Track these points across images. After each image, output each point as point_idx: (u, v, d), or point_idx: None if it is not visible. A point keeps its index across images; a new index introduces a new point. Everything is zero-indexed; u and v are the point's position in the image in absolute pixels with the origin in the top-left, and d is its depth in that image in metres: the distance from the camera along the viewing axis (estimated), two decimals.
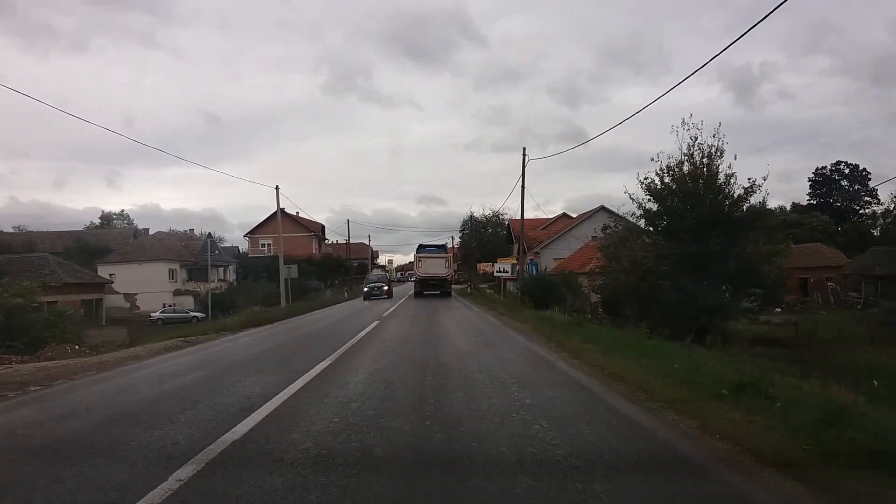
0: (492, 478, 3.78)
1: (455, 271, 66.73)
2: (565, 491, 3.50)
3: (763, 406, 5.09)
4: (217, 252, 24.05)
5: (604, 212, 51.90)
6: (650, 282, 24.87)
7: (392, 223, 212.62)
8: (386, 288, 41.23)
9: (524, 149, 32.03)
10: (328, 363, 9.06)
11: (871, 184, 77.53)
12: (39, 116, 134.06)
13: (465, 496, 3.50)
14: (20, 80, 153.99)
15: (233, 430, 4.99)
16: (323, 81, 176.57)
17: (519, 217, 63.68)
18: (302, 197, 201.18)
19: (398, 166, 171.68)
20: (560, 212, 65.70)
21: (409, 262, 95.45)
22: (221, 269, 67.02)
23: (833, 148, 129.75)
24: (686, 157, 24.91)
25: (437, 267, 39.88)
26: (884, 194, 76.51)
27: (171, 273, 58.95)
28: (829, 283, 51.11)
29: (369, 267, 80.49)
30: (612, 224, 27.92)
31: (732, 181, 24.56)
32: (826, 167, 79.37)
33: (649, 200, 25.47)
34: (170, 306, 54.02)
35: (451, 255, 53.00)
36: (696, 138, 24.80)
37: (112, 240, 65.87)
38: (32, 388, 8.00)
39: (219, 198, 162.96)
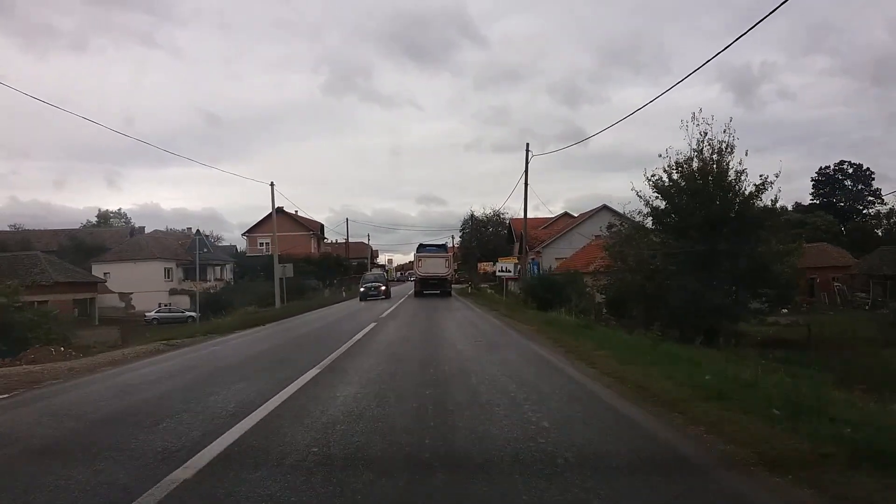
0: None
1: (455, 271, 66.04)
2: None
3: (832, 433, 4.19)
4: (206, 250, 23.09)
5: (606, 211, 51.14)
6: (658, 281, 24.03)
7: (392, 223, 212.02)
8: (383, 288, 39.45)
9: (527, 144, 31.16)
10: (317, 372, 8.18)
11: (875, 183, 76.98)
12: (39, 116, 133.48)
13: None
14: (20, 80, 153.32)
15: (185, 465, 4.05)
16: (323, 81, 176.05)
17: (520, 216, 62.86)
18: (302, 197, 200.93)
19: (398, 166, 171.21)
20: (560, 211, 64.77)
21: (409, 262, 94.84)
22: (218, 269, 66.22)
23: (833, 148, 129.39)
24: (696, 153, 24.12)
25: (437, 266, 39.72)
26: (887, 194, 75.88)
27: (167, 272, 58.12)
28: (836, 284, 50.28)
29: (368, 266, 79.51)
30: (619, 223, 26.98)
31: (743, 178, 23.73)
32: (829, 167, 78.62)
33: (657, 198, 24.66)
34: (165, 306, 53.23)
35: (452, 254, 52.37)
36: (706, 133, 24.01)
37: (108, 238, 65.03)
38: None
39: (219, 197, 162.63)
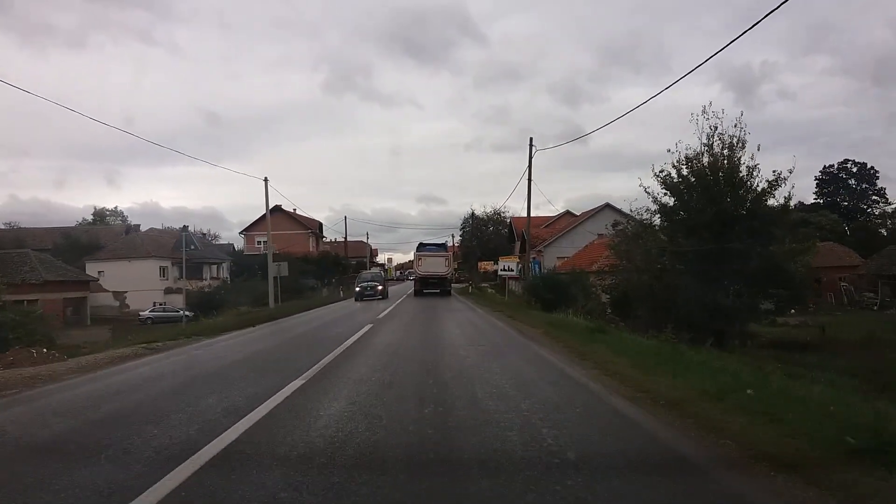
0: None
1: (455, 270, 65.25)
2: None
3: None
4: (193, 247, 22.17)
5: (609, 209, 50.36)
6: (666, 281, 23.16)
7: (392, 222, 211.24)
8: (380, 287, 37.73)
9: (531, 139, 30.18)
10: (300, 383, 7.22)
11: (879, 183, 76.15)
12: (39, 115, 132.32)
13: None
14: (19, 79, 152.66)
15: None
16: (323, 80, 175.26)
17: (521, 215, 61.94)
18: (302, 196, 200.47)
19: (398, 166, 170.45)
20: (560, 210, 63.88)
21: (409, 261, 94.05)
22: (215, 267, 65.31)
23: (833, 148, 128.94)
24: (706, 148, 23.28)
25: (437, 265, 39.56)
26: (891, 193, 75.15)
27: (163, 271, 57.21)
28: (843, 284, 49.48)
29: (367, 265, 78.55)
30: (625, 221, 26.10)
31: (755, 174, 22.88)
32: (833, 165, 77.78)
33: (665, 194, 23.81)
34: (160, 305, 52.33)
35: (452, 253, 51.65)
36: (716, 128, 23.19)
37: (103, 237, 64.08)
38: None
39: (219, 196, 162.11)
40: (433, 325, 16.71)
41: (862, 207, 77.72)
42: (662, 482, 3.79)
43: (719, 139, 23.07)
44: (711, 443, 4.45)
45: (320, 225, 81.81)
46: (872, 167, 76.73)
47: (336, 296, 45.08)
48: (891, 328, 27.91)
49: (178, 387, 7.54)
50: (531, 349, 10.74)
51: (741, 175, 22.85)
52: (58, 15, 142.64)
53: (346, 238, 74.75)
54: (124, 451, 4.58)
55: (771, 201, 23.25)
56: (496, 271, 59.17)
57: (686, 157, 23.19)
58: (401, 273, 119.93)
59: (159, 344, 12.65)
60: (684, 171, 23.20)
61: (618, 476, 3.78)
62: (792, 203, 25.43)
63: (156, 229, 71.95)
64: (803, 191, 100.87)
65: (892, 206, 69.95)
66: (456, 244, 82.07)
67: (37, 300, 35.46)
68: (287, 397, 6.43)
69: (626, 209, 26.20)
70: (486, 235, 73.60)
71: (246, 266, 61.84)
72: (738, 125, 22.66)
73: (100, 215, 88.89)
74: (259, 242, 69.74)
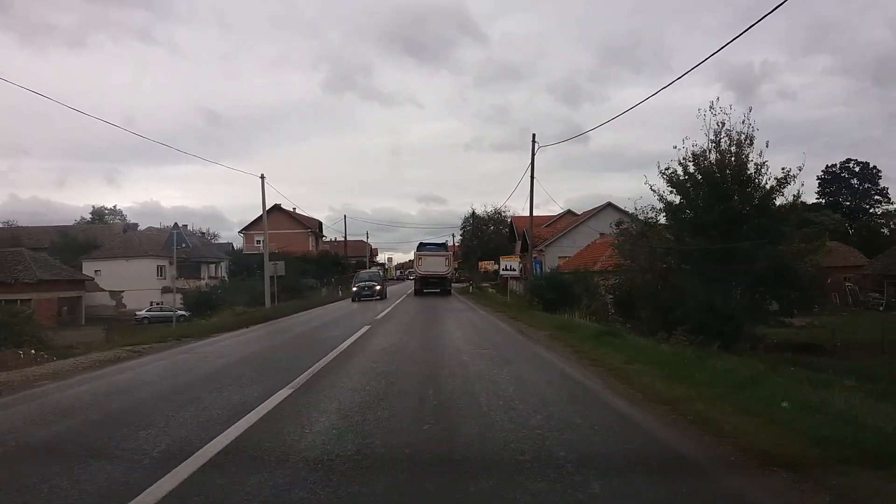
0: None
1: (456, 270, 64.69)
2: None
3: None
4: (184, 245, 21.56)
5: (611, 208, 49.85)
6: (672, 281, 22.58)
7: (392, 222, 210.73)
8: (378, 288, 36.19)
9: (533, 135, 29.53)
10: (285, 395, 6.53)
11: (881, 182, 75.55)
12: (39, 114, 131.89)
13: None
14: (20, 79, 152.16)
15: None
16: (322, 80, 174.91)
17: (521, 214, 61.42)
18: (302, 196, 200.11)
19: (398, 166, 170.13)
20: (560, 210, 63.30)
21: (410, 261, 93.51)
22: (213, 266, 64.80)
23: (833, 148, 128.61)
24: (713, 144, 22.70)
25: (437, 265, 39.45)
26: (893, 193, 74.63)
27: (160, 270, 56.69)
28: (847, 284, 48.87)
29: (367, 265, 77.86)
30: (629, 220, 25.50)
31: (763, 171, 22.30)
32: (835, 165, 77.15)
33: (671, 192, 23.22)
34: (157, 304, 51.78)
35: (452, 253, 51.25)
36: (724, 124, 22.62)
37: (101, 236, 63.51)
38: None
39: (219, 196, 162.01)
40: (433, 326, 16.07)
41: (864, 207, 77.10)
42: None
43: (727, 136, 22.57)
44: (758, 463, 3.84)
45: (320, 224, 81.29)
46: (875, 166, 76.17)
47: (335, 295, 44.42)
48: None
49: (153, 398, 6.88)
50: (538, 354, 10.10)
51: (749, 172, 22.30)
52: (58, 14, 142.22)
53: (345, 237, 74.17)
54: (70, 483, 3.80)
55: (779, 199, 22.80)
56: (496, 271, 58.73)
57: (693, 154, 22.64)
58: (401, 273, 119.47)
59: (144, 347, 12.02)
60: (691, 168, 22.65)
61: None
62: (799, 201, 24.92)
63: (154, 228, 71.36)
64: (805, 190, 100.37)
65: (895, 206, 69.32)
66: (456, 244, 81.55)
67: (30, 300, 34.91)
68: (271, 410, 5.80)
69: (634, 207, 25.53)
70: (487, 235, 73.07)
71: (245, 265, 61.25)
72: (746, 121, 22.10)
73: (98, 214, 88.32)
74: (258, 242, 69.06)
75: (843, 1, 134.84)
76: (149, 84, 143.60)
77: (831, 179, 77.70)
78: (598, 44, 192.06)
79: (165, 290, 55.62)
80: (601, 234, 45.25)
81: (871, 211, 76.09)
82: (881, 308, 43.27)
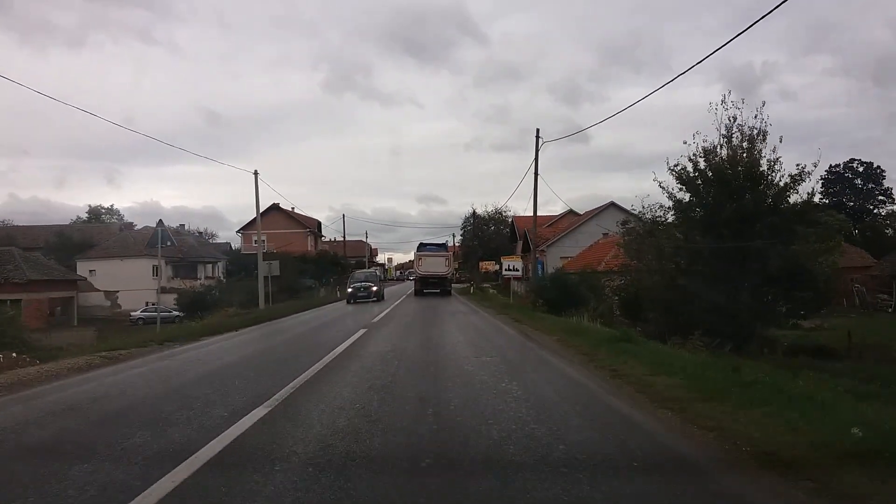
0: None
1: (456, 270, 63.89)
2: None
3: None
4: (169, 244, 20.68)
5: (613, 208, 49.01)
6: (681, 282, 21.71)
7: (392, 222, 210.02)
8: (375, 289, 34.22)
9: (537, 130, 28.50)
10: (259, 416, 5.61)
11: (885, 182, 74.72)
12: (40, 114, 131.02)
13: None
14: (20, 78, 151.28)
15: None
16: (322, 80, 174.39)
17: (522, 214, 60.58)
18: (302, 196, 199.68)
19: (398, 166, 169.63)
20: (561, 210, 62.49)
21: (410, 261, 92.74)
22: (210, 266, 63.96)
23: (834, 148, 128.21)
24: (725, 139, 21.87)
25: (437, 265, 39.19)
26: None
27: (156, 270, 55.71)
28: (855, 285, 47.98)
29: (367, 265, 76.92)
30: (636, 218, 24.62)
31: (777, 168, 21.46)
32: (839, 165, 76.30)
33: (681, 189, 22.37)
34: (152, 305, 50.90)
35: (452, 253, 50.59)
36: (735, 119, 21.81)
37: (97, 235, 62.60)
38: None
39: (219, 196, 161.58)
40: (433, 330, 15.14)
41: (868, 208, 76.26)
42: None
43: (738, 131, 21.76)
44: None
45: (319, 224, 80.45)
46: (879, 166, 75.30)
47: (333, 296, 43.44)
48: None
49: (108, 417, 5.97)
50: (549, 363, 9.14)
51: (762, 169, 21.48)
52: (57, 14, 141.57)
53: (344, 237, 73.35)
54: None
55: (794, 197, 22.01)
56: (497, 271, 57.84)
57: (704, 150, 21.80)
58: (401, 273, 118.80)
59: (122, 353, 11.11)
60: (701, 165, 21.83)
61: None
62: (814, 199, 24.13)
63: (150, 228, 70.37)
64: (810, 189, 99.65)
65: None
66: (456, 244, 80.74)
67: (20, 300, 34.06)
68: (241, 434, 4.91)
69: (641, 205, 24.64)
70: (488, 235, 72.26)
71: (242, 265, 60.42)
72: (759, 116, 21.29)
73: (95, 214, 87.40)
74: (261, 242, 68.28)
75: (843, 1, 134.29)
76: (149, 84, 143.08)
77: (835, 179, 76.87)
78: (598, 44, 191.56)
79: (162, 291, 54.74)
80: (604, 234, 44.44)
81: (874, 211, 75.24)
82: (890, 310, 42.43)
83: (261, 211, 68.30)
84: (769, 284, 21.27)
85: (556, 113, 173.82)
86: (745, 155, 21.53)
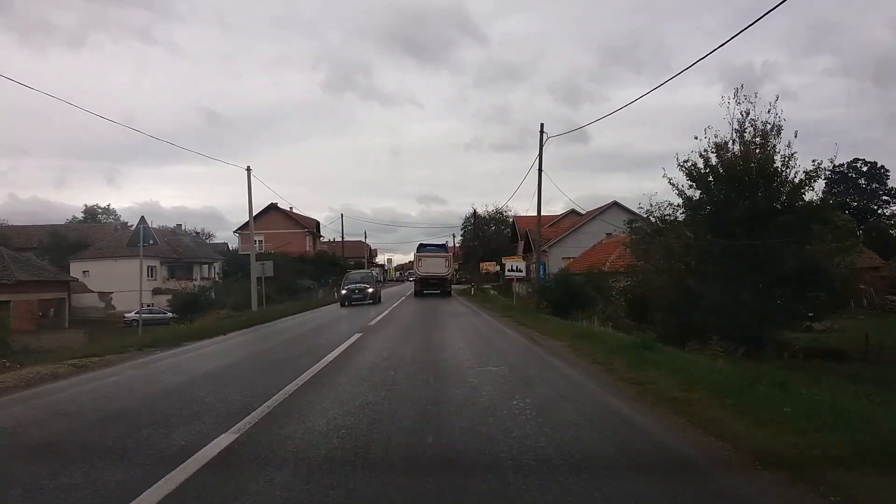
0: None
1: (456, 271, 63.01)
2: None
3: None
4: (151, 242, 19.70)
5: (616, 207, 48.17)
6: (691, 283, 20.82)
7: (392, 222, 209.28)
8: (370, 290, 31.80)
9: (542, 125, 27.51)
10: (224, 445, 4.63)
11: (889, 182, 73.88)
12: (39, 114, 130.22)
13: None
14: (19, 78, 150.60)
15: None
16: (322, 80, 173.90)
17: (523, 214, 59.61)
18: (302, 196, 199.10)
19: (398, 166, 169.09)
20: (562, 210, 61.61)
21: (409, 262, 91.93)
22: (206, 267, 63.10)
23: (832, 148, 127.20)
24: (737, 134, 21.00)
25: (437, 266, 38.90)
26: None
27: (151, 270, 54.91)
28: (862, 286, 47.12)
29: (366, 265, 75.95)
30: (643, 217, 23.71)
31: (791, 164, 20.60)
32: (843, 165, 75.47)
33: (691, 187, 21.50)
34: (147, 306, 49.97)
35: (452, 254, 49.95)
36: (748, 113, 20.96)
37: (92, 235, 61.65)
38: None
39: (219, 196, 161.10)
40: (433, 334, 14.16)
41: (872, 208, 75.50)
42: None
43: (751, 125, 20.91)
44: None
45: (317, 224, 79.57)
46: (883, 166, 74.52)
47: (332, 297, 42.42)
48: None
49: (31, 448, 4.97)
50: (562, 373, 8.16)
51: (776, 165, 20.61)
52: (57, 14, 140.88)
53: (342, 237, 72.49)
54: None
55: (810, 194, 21.17)
56: (498, 272, 56.91)
57: (715, 145, 20.93)
58: (401, 274, 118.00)
59: (94, 360, 10.16)
60: (713, 160, 20.96)
61: None
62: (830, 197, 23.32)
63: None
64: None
65: None
66: (456, 244, 79.88)
67: (8, 301, 33.15)
68: (200, 469, 3.99)
69: (632, 208, 23.77)
70: (488, 235, 71.39)
71: (240, 266, 59.50)
72: (772, 109, 20.45)
73: (91, 213, 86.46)
74: (254, 241, 67.36)
75: (843, 1, 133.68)
76: (149, 84, 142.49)
77: (839, 179, 76.09)
78: (598, 44, 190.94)
79: (156, 292, 53.86)
80: (607, 234, 43.54)
81: (878, 212, 74.46)
82: None
83: (259, 210, 67.75)
84: (782, 285, 20.42)
85: (557, 113, 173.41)
86: (757, 151, 20.72)
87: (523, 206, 72.36)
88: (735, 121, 20.92)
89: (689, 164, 21.19)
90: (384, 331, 15.18)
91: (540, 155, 27.31)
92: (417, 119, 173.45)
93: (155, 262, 55.42)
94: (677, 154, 21.50)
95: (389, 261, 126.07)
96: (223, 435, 4.90)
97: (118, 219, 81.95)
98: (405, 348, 11.16)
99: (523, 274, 31.02)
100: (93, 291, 51.14)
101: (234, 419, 5.44)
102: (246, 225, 70.78)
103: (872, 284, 47.21)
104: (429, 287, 38.24)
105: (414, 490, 3.67)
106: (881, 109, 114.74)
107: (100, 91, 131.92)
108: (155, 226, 72.15)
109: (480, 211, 72.34)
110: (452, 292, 40.58)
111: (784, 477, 3.64)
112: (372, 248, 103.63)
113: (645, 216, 23.83)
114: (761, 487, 3.63)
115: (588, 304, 22.27)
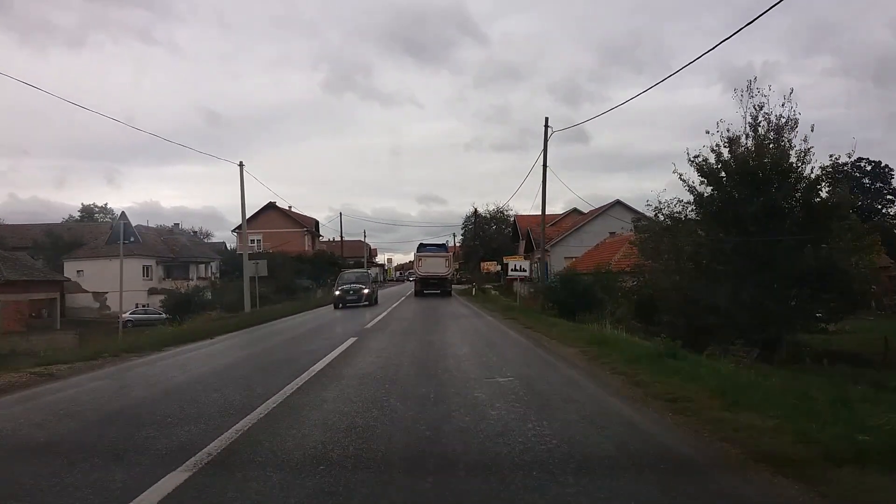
0: None
1: (456, 271, 62.21)
2: None
3: None
4: (133, 240, 18.74)
5: (619, 206, 47.35)
6: (703, 283, 19.99)
7: (392, 222, 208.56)
8: (366, 291, 29.60)
9: (546, 119, 26.67)
10: (184, 478, 3.76)
11: (894, 182, 72.92)
12: (39, 114, 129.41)
13: None
14: (20, 78, 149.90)
15: None
16: (322, 80, 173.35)
17: (524, 213, 58.74)
18: (302, 196, 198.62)
19: (398, 166, 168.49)
20: (563, 210, 60.75)
21: (410, 262, 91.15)
22: (203, 266, 62.26)
23: (833, 148, 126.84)
24: (751, 128, 20.23)
25: (437, 266, 38.69)
26: None
27: (146, 270, 54.06)
28: (872, 287, 46.20)
29: (365, 265, 75.02)
30: (652, 216, 22.85)
31: (807, 159, 19.83)
32: (847, 164, 74.54)
33: (702, 183, 20.70)
34: (143, 306, 49.09)
35: (452, 254, 49.34)
36: (762, 107, 20.25)
37: (87, 234, 60.70)
38: None
39: (218, 196, 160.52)
40: (433, 339, 13.20)
41: (877, 207, 74.66)
42: None
43: (765, 119, 20.12)
44: None
45: (316, 223, 78.70)
46: (887, 165, 73.56)
47: (329, 297, 41.49)
48: None
49: None
50: (580, 386, 7.11)
51: (791, 161, 19.78)
52: (57, 14, 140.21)
53: (341, 237, 71.63)
54: None
55: (828, 191, 20.42)
56: (499, 272, 56.04)
57: (728, 139, 20.12)
58: (401, 273, 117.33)
59: (62, 368, 9.26)
60: (725, 155, 20.18)
61: None
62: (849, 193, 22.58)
63: (141, 227, 68.58)
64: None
65: None
66: (457, 244, 79.11)
67: None
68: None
69: (658, 201, 22.85)
70: (489, 234, 70.57)
71: (237, 265, 58.61)
72: (787, 103, 19.70)
73: (88, 212, 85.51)
74: (252, 241, 66.44)
75: (843, 1, 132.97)
76: (149, 84, 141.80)
77: (843, 178, 75.17)
78: (598, 44, 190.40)
79: (152, 292, 52.97)
80: (611, 233, 42.69)
81: (883, 211, 73.64)
82: None
83: (257, 210, 66.92)
84: (798, 285, 19.57)
85: (557, 113, 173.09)
86: (772, 146, 19.90)
87: (524, 206, 71.74)
88: (748, 114, 20.20)
89: (700, 159, 20.42)
90: (381, 335, 14.23)
91: (545, 150, 26.46)
92: (417, 119, 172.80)
93: (151, 262, 54.55)
94: (687, 149, 20.69)
95: (389, 260, 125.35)
96: (174, 472, 3.86)
97: (115, 218, 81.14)
98: (402, 355, 10.23)
99: (527, 274, 30.11)
100: (87, 291, 50.28)
101: (194, 448, 4.47)
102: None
103: (881, 284, 46.41)
104: (429, 287, 38.03)
105: None
106: (881, 109, 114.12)
107: (100, 91, 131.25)
108: (154, 225, 71.43)
109: (481, 210, 71.55)
110: (453, 292, 40.02)
111: None
112: (372, 247, 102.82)
113: (653, 214, 22.98)
114: None
115: (596, 306, 21.36)
